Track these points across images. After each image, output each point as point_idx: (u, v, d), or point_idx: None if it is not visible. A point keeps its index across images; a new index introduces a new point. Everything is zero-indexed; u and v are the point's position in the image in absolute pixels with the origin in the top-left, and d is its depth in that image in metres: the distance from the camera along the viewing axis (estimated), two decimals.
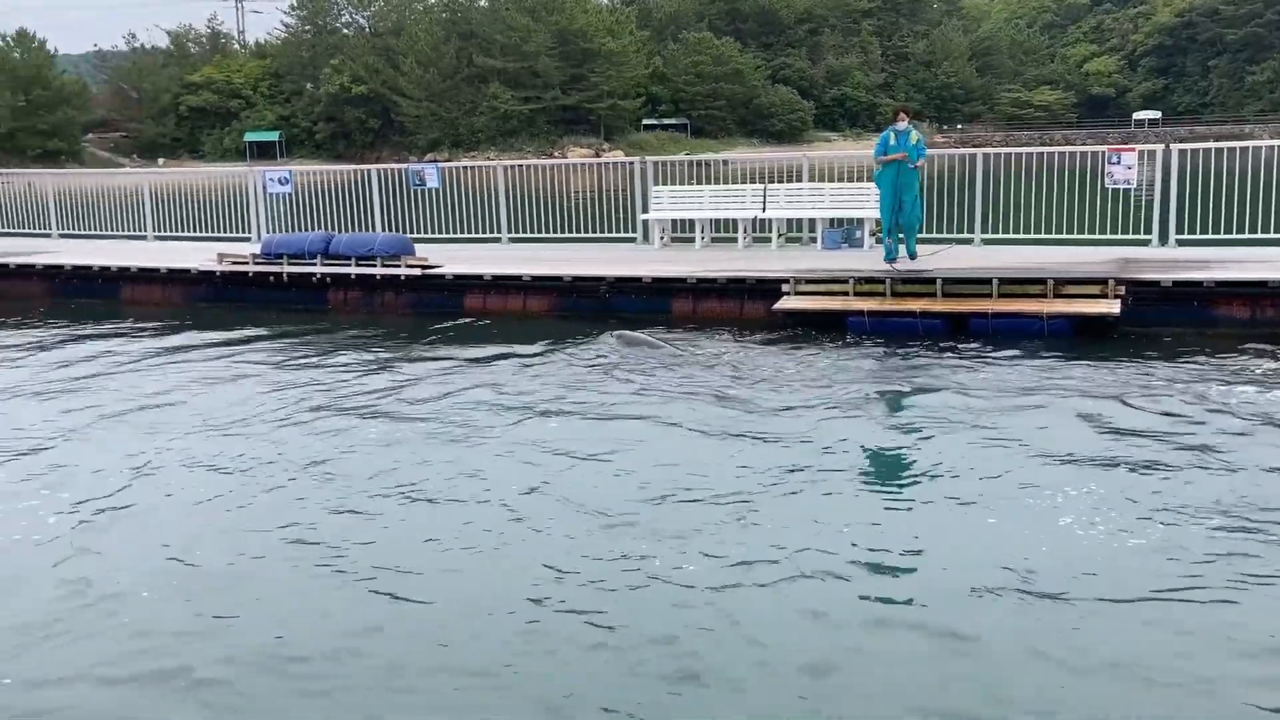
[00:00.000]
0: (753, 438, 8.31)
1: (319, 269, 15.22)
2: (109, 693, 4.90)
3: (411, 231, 17.25)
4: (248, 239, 18.59)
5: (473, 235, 17.83)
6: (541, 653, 5.13)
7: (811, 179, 16.47)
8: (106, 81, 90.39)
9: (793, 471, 7.49)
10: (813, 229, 15.92)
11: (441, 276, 14.76)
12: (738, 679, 4.86)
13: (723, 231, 16.73)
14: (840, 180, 16.24)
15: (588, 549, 6.27)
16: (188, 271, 16.14)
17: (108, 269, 16.81)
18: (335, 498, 7.30)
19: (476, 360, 11.44)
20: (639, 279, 13.67)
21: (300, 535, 6.64)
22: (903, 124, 13.38)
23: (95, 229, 20.74)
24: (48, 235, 20.77)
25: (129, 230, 20.27)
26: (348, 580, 6.00)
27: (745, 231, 16.05)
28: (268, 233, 18.07)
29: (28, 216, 21.57)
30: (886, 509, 6.90)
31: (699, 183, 17.43)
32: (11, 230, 21.51)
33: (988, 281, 12.13)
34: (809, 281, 12.71)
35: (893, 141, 13.28)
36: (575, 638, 5.26)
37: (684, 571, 5.92)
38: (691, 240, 16.42)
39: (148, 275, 16.52)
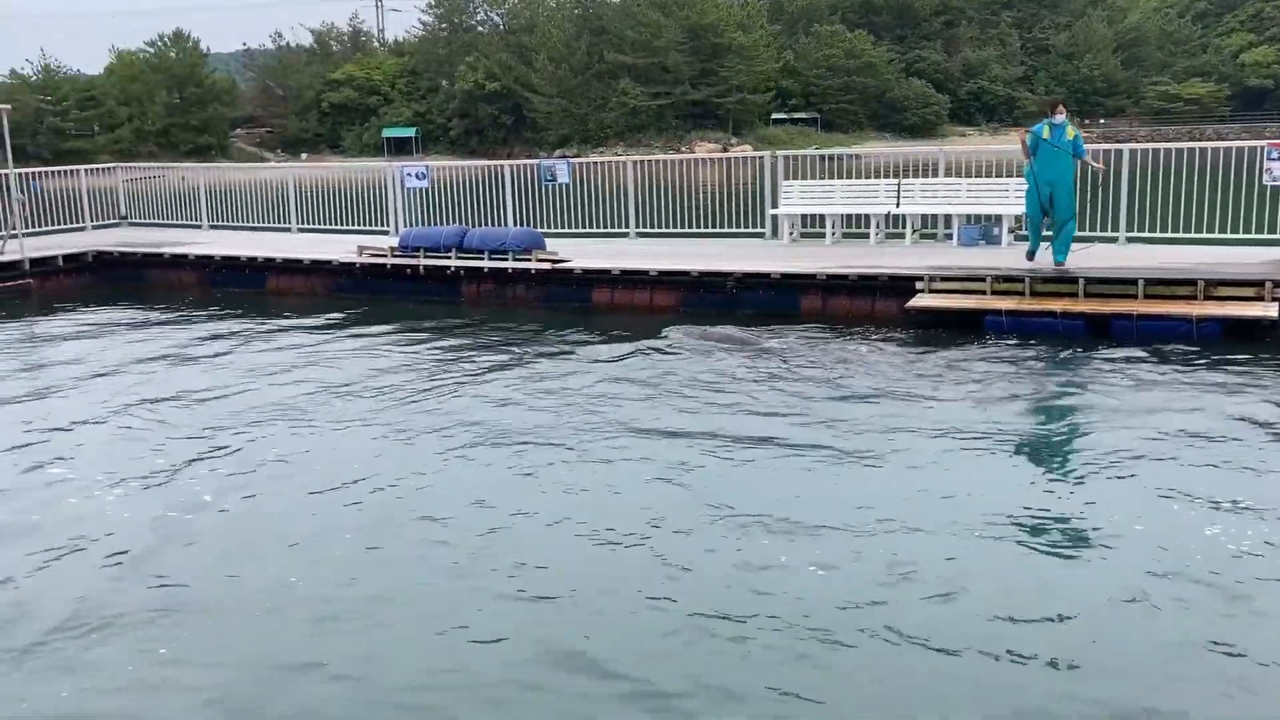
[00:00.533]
0: (889, 439, 8.15)
1: (453, 262, 15.55)
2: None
3: (542, 226, 17.48)
4: (386, 232, 19.11)
5: (601, 230, 17.98)
6: (674, 644, 5.13)
7: (948, 174, 16.09)
8: (254, 79, 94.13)
9: (932, 475, 7.31)
10: (948, 225, 15.55)
11: (570, 271, 14.91)
12: (882, 675, 4.78)
13: (854, 227, 16.48)
14: (978, 175, 15.78)
15: (725, 547, 6.23)
16: (329, 263, 16.68)
17: (254, 259, 17.49)
18: (469, 486, 7.44)
19: (605, 353, 11.54)
20: (767, 275, 13.57)
21: (434, 522, 6.80)
22: (1060, 117, 12.73)
23: (242, 221, 21.62)
24: (199, 227, 21.72)
25: (274, 222, 21.07)
26: (488, 578, 6.09)
27: (878, 227, 15.77)
28: (405, 226, 18.55)
29: (180, 209, 22.60)
30: (1029, 518, 6.68)
31: (829, 178, 17.20)
32: (166, 221, 22.57)
33: (1133, 282, 11.65)
34: (944, 279, 12.41)
35: (1046, 135, 12.58)
36: (712, 630, 5.25)
37: (827, 575, 5.85)
38: (821, 236, 16.22)
39: (292, 266, 17.14)
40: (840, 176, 17.02)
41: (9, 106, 19.81)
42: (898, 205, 15.52)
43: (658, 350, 11.57)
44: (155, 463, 8.15)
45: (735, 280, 13.64)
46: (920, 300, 12.25)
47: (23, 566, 6.24)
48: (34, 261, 17.66)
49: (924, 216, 15.80)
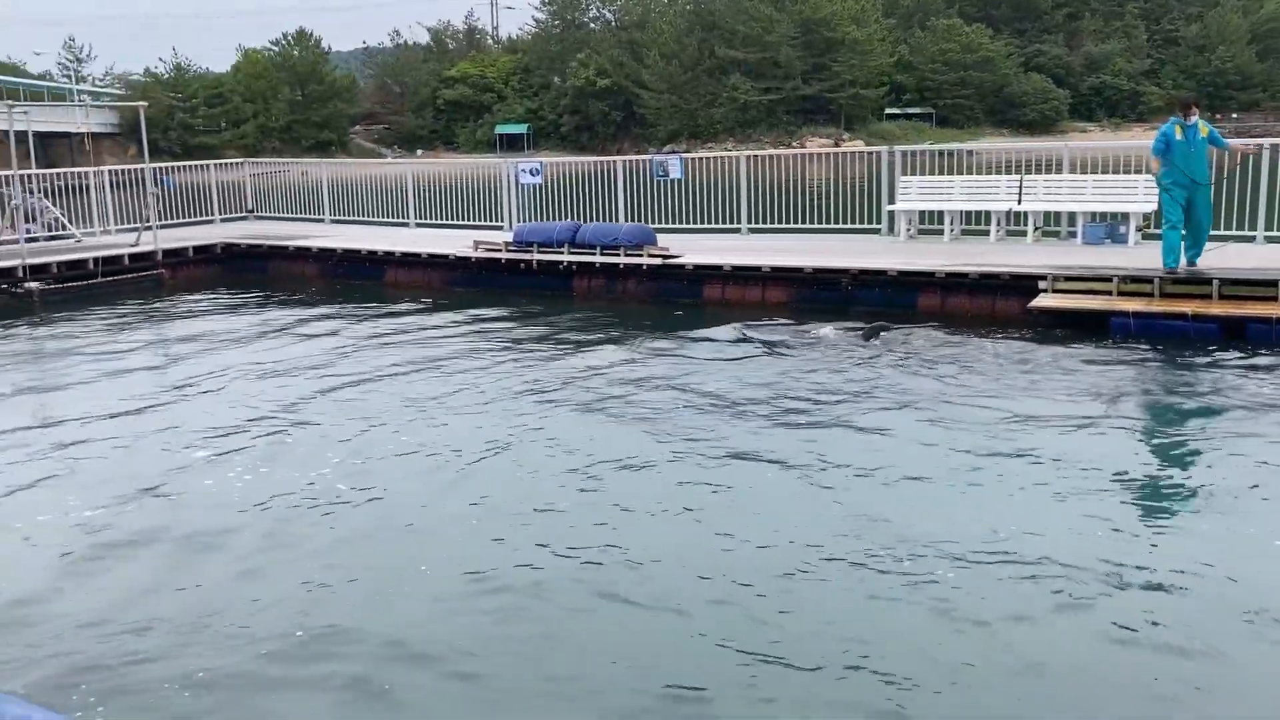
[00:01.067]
0: (1009, 442, 7.94)
1: (565, 257, 15.69)
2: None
3: (653, 221, 17.52)
4: (500, 227, 19.39)
5: (713, 226, 17.94)
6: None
7: (1072, 170, 15.61)
8: (372, 77, 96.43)
9: (1053, 484, 7.08)
10: (1072, 223, 15.09)
11: (682, 266, 14.90)
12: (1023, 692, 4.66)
13: (972, 224, 16.12)
14: (1103, 172, 15.26)
15: (841, 548, 6.16)
16: (446, 257, 16.99)
17: (374, 253, 17.92)
18: (583, 481, 7.49)
19: (720, 350, 11.51)
20: (883, 272, 13.35)
21: (547, 514, 6.86)
22: (1193, 117, 12.17)
23: (362, 215, 22.18)
24: (320, 220, 22.34)
25: (392, 217, 21.56)
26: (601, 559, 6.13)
27: (998, 224, 15.38)
28: (519, 221, 18.79)
29: (303, 203, 23.29)
30: (1155, 529, 6.43)
31: (944, 173, 16.84)
32: (289, 215, 23.29)
33: (1272, 283, 11.13)
34: (1069, 279, 12.04)
35: (1178, 136, 11.96)
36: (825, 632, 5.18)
37: (940, 583, 5.72)
38: (939, 232, 15.90)
39: (409, 260, 17.51)
40: (955, 172, 16.65)
41: (146, 104, 20.67)
42: (1019, 202, 15.11)
43: (772, 347, 11.50)
44: (295, 441, 8.41)
45: (850, 277, 13.46)
46: (1043, 300, 11.90)
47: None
48: (166, 252, 18.39)
49: (1047, 214, 15.37)
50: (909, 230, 16.09)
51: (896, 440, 8.09)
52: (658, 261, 14.98)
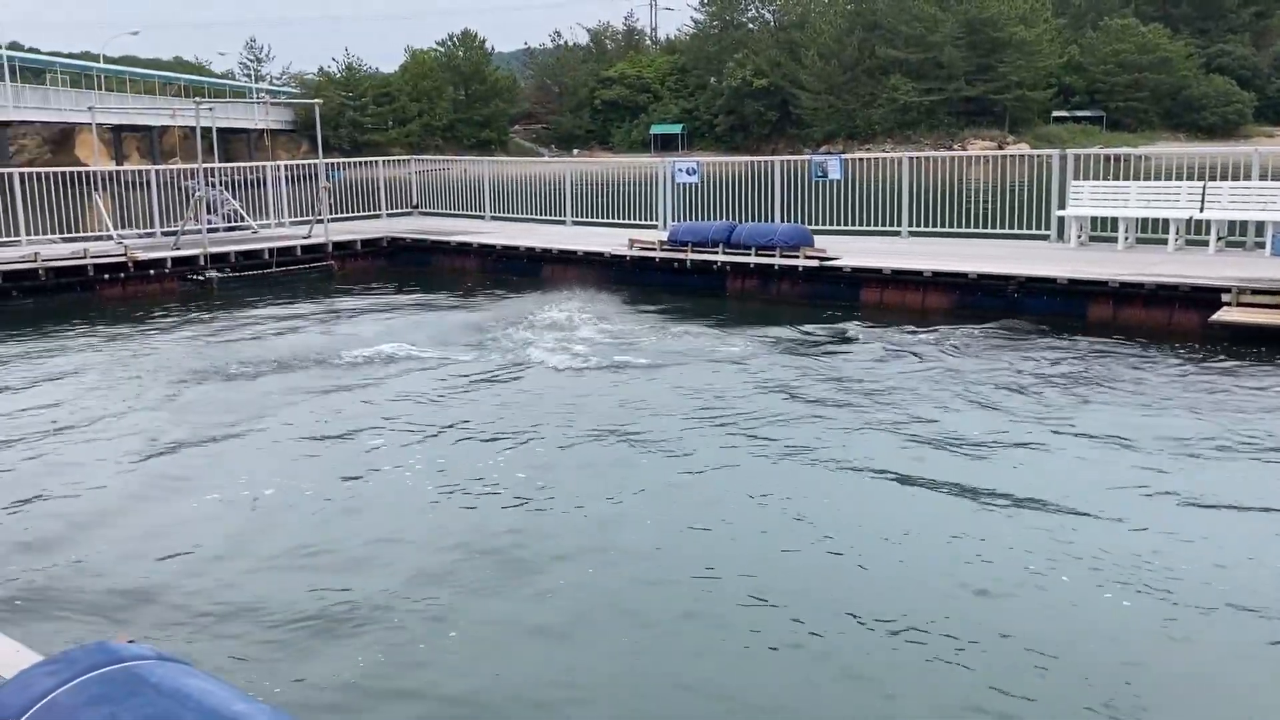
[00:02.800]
0: (1195, 465, 7.50)
1: (720, 257, 15.62)
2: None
3: (810, 222, 17.29)
4: (654, 226, 19.48)
5: (871, 228, 17.61)
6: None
7: (1262, 177, 14.68)
8: (532, 77, 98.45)
9: (1245, 517, 6.65)
10: (1259, 233, 14.19)
11: (839, 269, 14.64)
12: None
13: (1148, 232, 15.36)
14: None
15: (1020, 563, 5.92)
16: (601, 255, 17.14)
17: (532, 250, 18.23)
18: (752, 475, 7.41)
19: (881, 351, 11.26)
20: (1053, 280, 12.81)
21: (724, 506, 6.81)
22: None
23: (520, 212, 22.62)
24: (481, 217, 22.89)
25: (549, 214, 21.92)
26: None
27: (1177, 233, 14.59)
28: (674, 220, 18.83)
29: (465, 199, 23.89)
30: None
31: (1115, 178, 16.07)
32: (451, 211, 23.93)
33: None
34: (1256, 291, 11.31)
35: None
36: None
37: (1119, 606, 5.44)
38: (1112, 240, 15.19)
39: (566, 257, 17.73)
40: (1127, 177, 15.88)
41: (321, 101, 21.53)
42: (1201, 209, 14.30)
43: (935, 350, 11.19)
44: (454, 428, 8.60)
45: (1017, 284, 12.97)
46: (1226, 314, 11.21)
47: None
48: (336, 245, 19.11)
49: (1232, 223, 14.51)
50: (1080, 237, 15.43)
51: (1072, 460, 7.72)
52: (814, 263, 14.76)
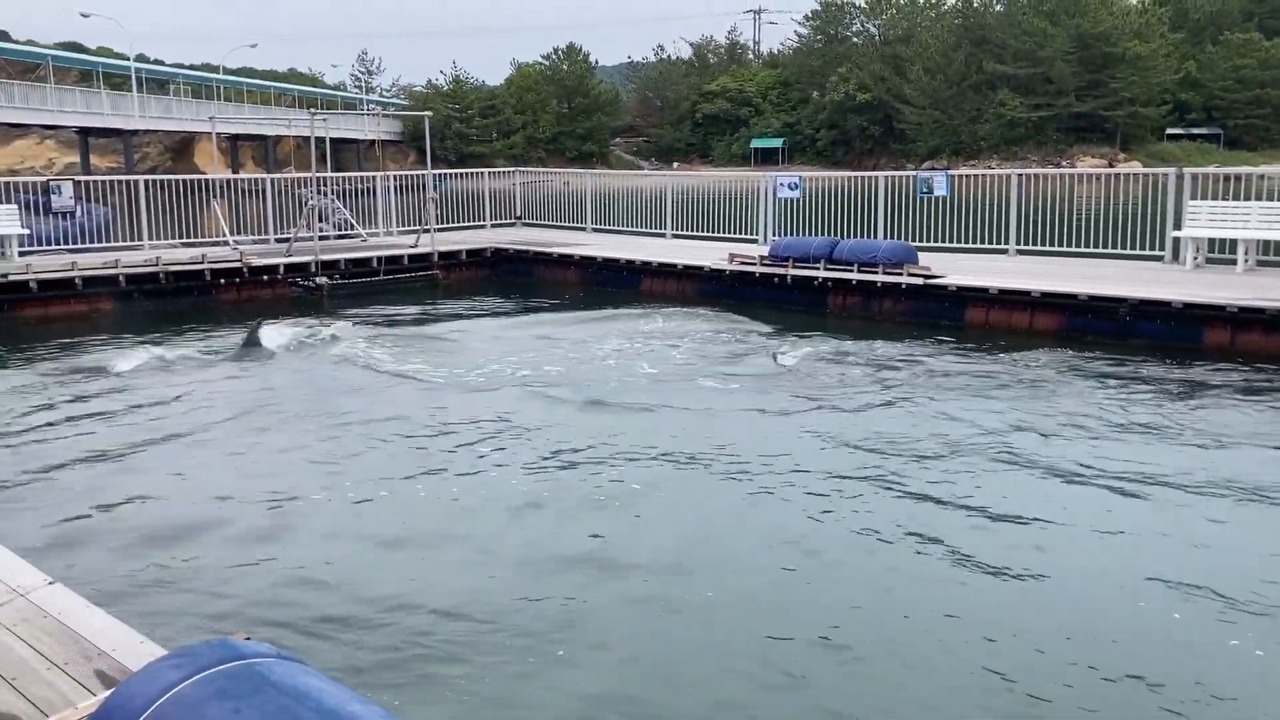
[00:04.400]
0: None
1: (821, 273, 15.50)
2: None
3: (913, 239, 17.07)
4: (754, 240, 19.43)
5: (977, 246, 17.30)
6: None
7: None
8: (634, 90, 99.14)
9: None
10: None
11: (944, 287, 14.40)
12: None
13: (1271, 254, 14.79)
14: None
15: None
16: (701, 268, 17.15)
17: (632, 262, 18.33)
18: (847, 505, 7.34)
19: (992, 373, 11.04)
20: (1167, 303, 12.40)
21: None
22: None
23: (621, 225, 22.78)
24: (582, 229, 23.11)
25: (650, 227, 22.02)
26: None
27: None
28: (774, 235, 18.76)
29: (567, 211, 24.16)
30: None
31: (1234, 198, 15.50)
32: (553, 223, 24.21)
33: None
34: None
35: None
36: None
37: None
38: (1230, 262, 14.66)
39: (665, 270, 17.78)
40: (1246, 198, 15.31)
41: (430, 113, 22.00)
42: None
43: (1050, 374, 10.93)
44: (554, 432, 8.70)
45: (1129, 307, 12.60)
46: None
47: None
48: (441, 254, 19.49)
49: None
50: (1196, 259, 14.93)
51: (1203, 491, 7.47)
52: (918, 281, 14.55)
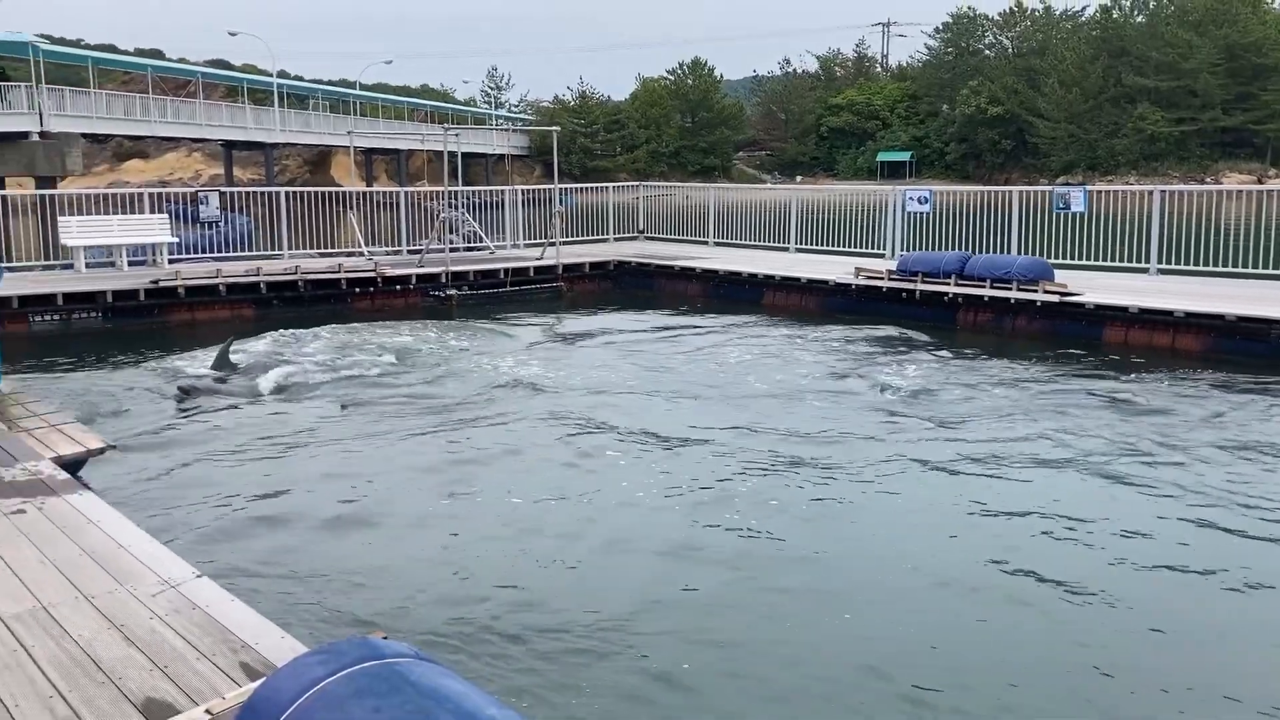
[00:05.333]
0: None
1: (952, 289, 15.16)
2: None
3: (1048, 256, 16.57)
4: (880, 255, 19.14)
5: (1115, 264, 16.71)
6: None
7: None
8: (759, 104, 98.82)
9: None
10: None
11: (1081, 305, 13.94)
12: None
13: None
14: None
15: None
16: (825, 282, 16.96)
17: (755, 275, 18.24)
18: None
19: (1134, 397, 10.62)
20: None
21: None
22: None
23: (743, 238, 22.70)
24: (705, 243, 23.10)
25: (772, 241, 21.89)
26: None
27: None
28: (901, 249, 18.45)
29: (689, 225, 24.21)
30: None
31: None
32: (675, 236, 24.29)
33: None
34: None
35: None
36: None
37: None
38: None
39: (789, 284, 17.65)
40: None
41: (558, 128, 22.33)
42: None
43: (1194, 398, 10.46)
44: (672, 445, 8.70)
45: None
46: None
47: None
48: (566, 267, 19.72)
49: None
50: None
51: None
52: (1054, 298, 14.11)
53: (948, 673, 5.08)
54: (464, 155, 40.02)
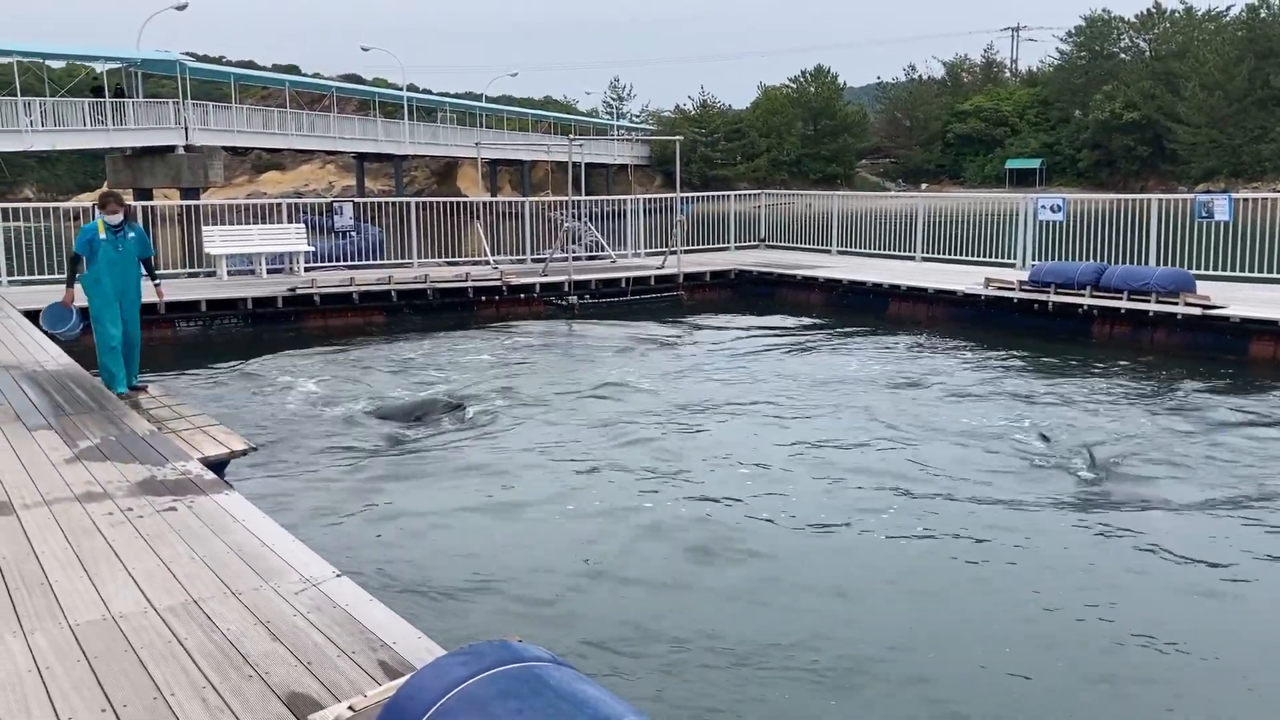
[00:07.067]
0: None
1: (1087, 300, 14.68)
2: None
3: (1188, 266, 15.91)
4: (1010, 264, 18.65)
5: (1262, 275, 15.95)
6: None
7: None
8: (882, 111, 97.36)
9: None
10: None
11: (1225, 318, 13.34)
12: None
13: None
14: None
15: None
16: (953, 293, 16.60)
17: (879, 285, 17.96)
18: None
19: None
20: None
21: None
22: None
23: (866, 247, 22.37)
24: (827, 251, 22.86)
25: (897, 250, 21.53)
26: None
27: None
28: (1034, 260, 17.95)
29: (811, 233, 23.98)
30: None
31: None
32: (797, 245, 24.10)
33: None
34: None
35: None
36: None
37: None
38: None
39: (915, 294, 17.33)
40: None
41: (681, 138, 22.40)
42: None
43: None
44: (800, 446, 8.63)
45: None
46: None
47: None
48: (687, 276, 19.76)
49: None
50: None
51: None
52: (1196, 311, 13.53)
53: None
54: (586, 165, 40.47)
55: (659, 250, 21.72)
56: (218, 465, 7.01)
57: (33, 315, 12.12)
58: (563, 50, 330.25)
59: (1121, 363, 13.15)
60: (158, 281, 9.63)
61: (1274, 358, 12.76)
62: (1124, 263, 16.48)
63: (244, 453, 7.46)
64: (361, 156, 61.64)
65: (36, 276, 17.03)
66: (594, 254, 22.22)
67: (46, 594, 4.39)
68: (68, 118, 39.57)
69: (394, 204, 20.98)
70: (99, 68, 46.76)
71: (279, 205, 20.04)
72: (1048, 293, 15.12)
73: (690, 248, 22.49)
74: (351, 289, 16.94)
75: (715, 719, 4.74)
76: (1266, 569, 6.46)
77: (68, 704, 3.42)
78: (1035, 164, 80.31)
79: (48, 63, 45.46)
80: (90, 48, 48.60)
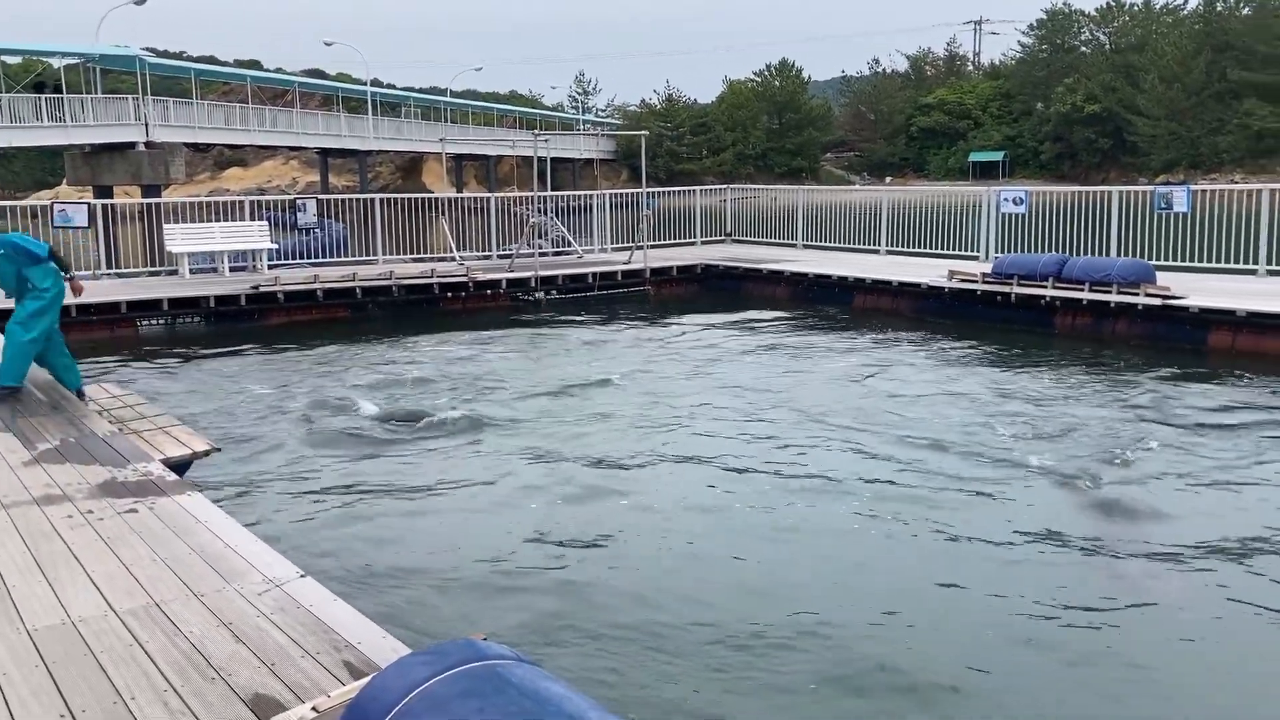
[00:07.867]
0: None
1: (1049, 291, 14.83)
2: None
3: (1149, 258, 16.12)
4: (974, 257, 18.81)
5: (1220, 265, 16.19)
6: None
7: None
8: (847, 105, 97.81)
9: None
10: None
11: (1184, 309, 13.53)
12: None
13: None
14: None
15: None
16: (918, 285, 16.72)
17: (845, 278, 18.05)
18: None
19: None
20: None
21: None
22: None
23: (832, 241, 22.48)
24: (793, 245, 22.95)
25: (862, 243, 21.65)
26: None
27: None
28: (997, 252, 18.11)
29: (777, 227, 24.07)
30: None
31: None
32: (763, 239, 24.16)
33: None
34: None
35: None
36: None
37: None
38: None
39: (880, 286, 17.43)
40: None
41: (647, 132, 22.41)
42: None
43: None
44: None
45: None
46: None
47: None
48: (653, 270, 19.77)
49: None
50: None
51: None
52: (1156, 302, 13.70)
53: None
54: (552, 160, 40.42)
55: (625, 245, 21.71)
56: (180, 466, 6.94)
57: None
58: (528, 45, 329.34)
59: (1084, 353, 13.31)
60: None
61: (1232, 347, 12.94)
62: (1085, 254, 16.68)
63: (207, 453, 7.37)
64: (325, 152, 61.19)
65: None
66: (560, 249, 22.19)
67: (3, 599, 4.33)
68: (24, 114, 38.99)
69: (358, 200, 20.86)
70: (55, 63, 46.11)
71: (241, 203, 19.86)
72: (1010, 284, 15.27)
73: (656, 243, 22.50)
74: (315, 286, 16.82)
75: (683, 715, 4.75)
76: (1221, 556, 6.56)
77: (26, 711, 3.37)
78: (998, 157, 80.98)
79: (2, 58, 44.77)
80: (46, 43, 47.92)
